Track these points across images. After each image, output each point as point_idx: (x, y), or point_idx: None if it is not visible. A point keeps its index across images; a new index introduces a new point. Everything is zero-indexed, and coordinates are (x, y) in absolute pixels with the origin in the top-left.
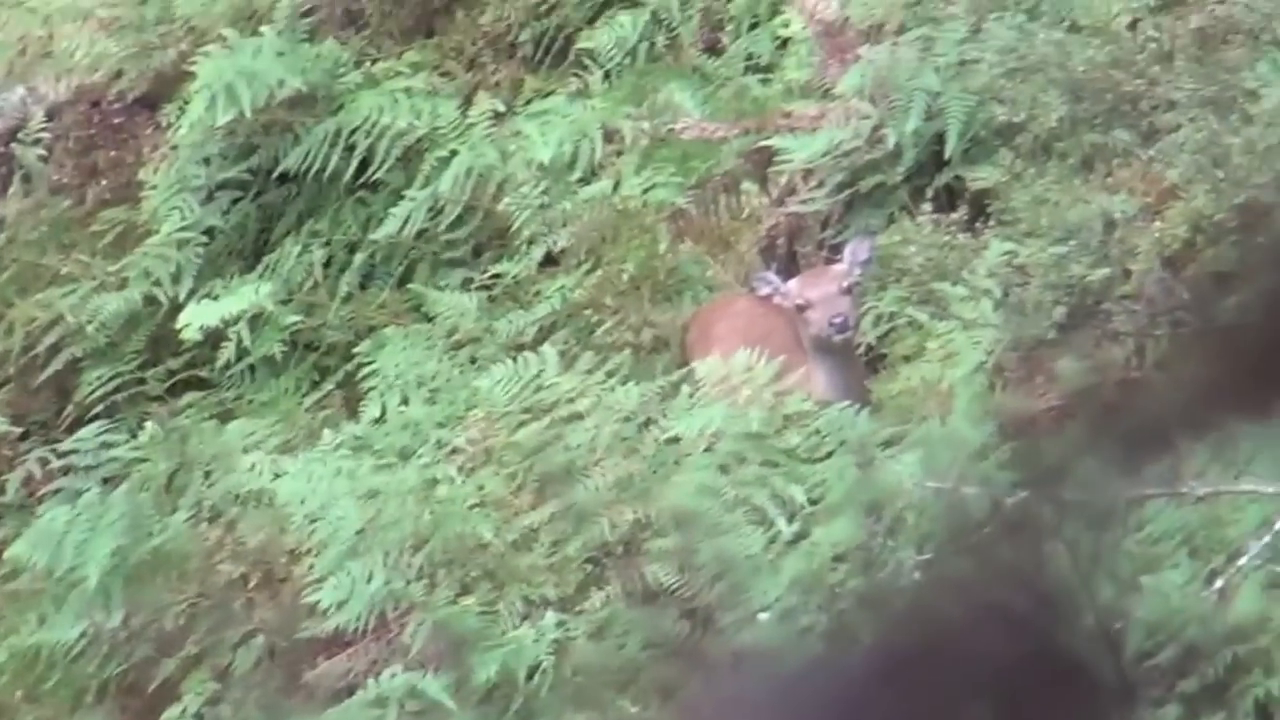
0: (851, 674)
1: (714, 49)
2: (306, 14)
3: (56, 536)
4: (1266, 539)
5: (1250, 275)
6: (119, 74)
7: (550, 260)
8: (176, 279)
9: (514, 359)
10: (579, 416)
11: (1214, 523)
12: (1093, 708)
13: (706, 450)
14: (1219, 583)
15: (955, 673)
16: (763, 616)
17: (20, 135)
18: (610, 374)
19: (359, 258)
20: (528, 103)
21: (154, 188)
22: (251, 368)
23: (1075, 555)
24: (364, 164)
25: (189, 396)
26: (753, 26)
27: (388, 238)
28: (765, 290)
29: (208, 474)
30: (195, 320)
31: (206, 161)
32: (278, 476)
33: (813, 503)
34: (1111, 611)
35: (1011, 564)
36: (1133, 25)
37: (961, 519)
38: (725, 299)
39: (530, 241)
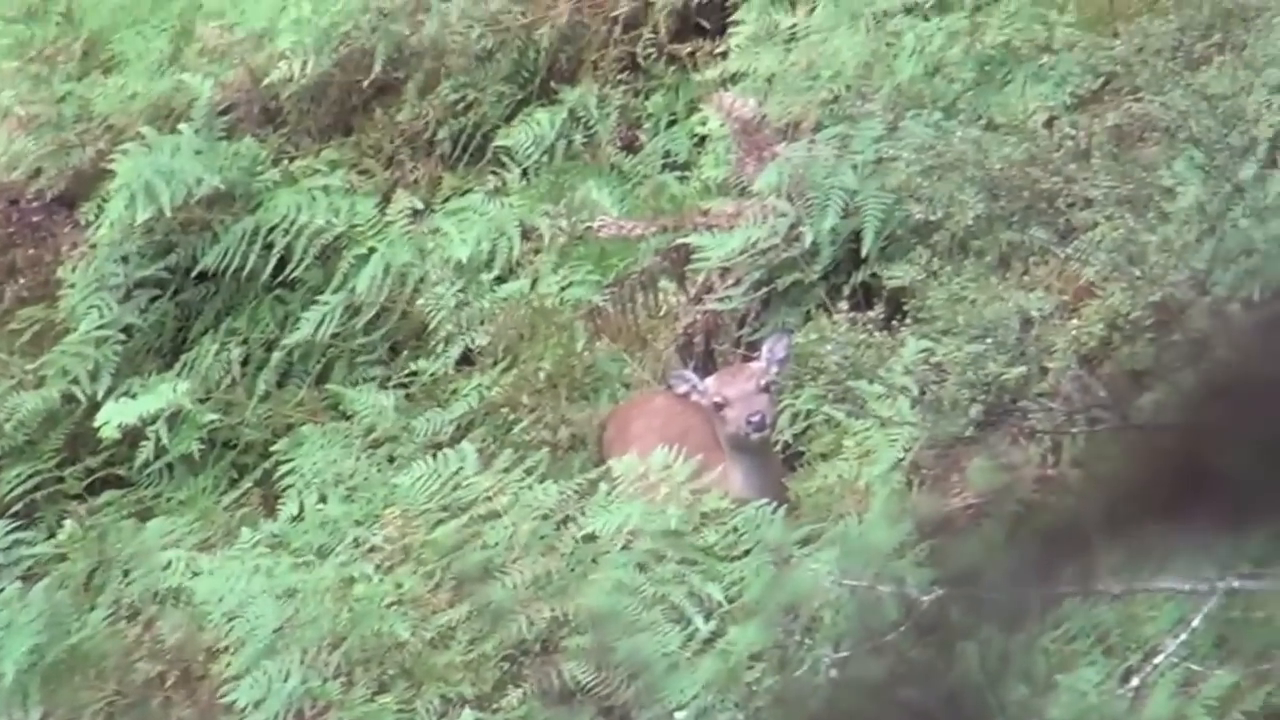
0: None
1: (631, 147)
2: (224, 112)
3: None
4: (1183, 637)
5: (1166, 374)
6: (38, 172)
7: (467, 359)
8: (94, 377)
9: (432, 457)
10: (496, 514)
11: (1130, 621)
12: None
13: (624, 548)
14: (1135, 681)
15: None
16: (679, 715)
17: None
18: (528, 472)
19: (276, 356)
20: (445, 200)
21: (72, 286)
22: (170, 466)
23: (986, 655)
24: (282, 262)
25: (107, 494)
26: (670, 124)
27: (304, 338)
28: (682, 388)
29: (126, 572)
30: (113, 418)
31: (125, 260)
32: (196, 575)
33: (730, 600)
34: (1025, 711)
35: (922, 664)
36: (1049, 123)
37: (876, 619)
38: (642, 397)
39: (447, 340)
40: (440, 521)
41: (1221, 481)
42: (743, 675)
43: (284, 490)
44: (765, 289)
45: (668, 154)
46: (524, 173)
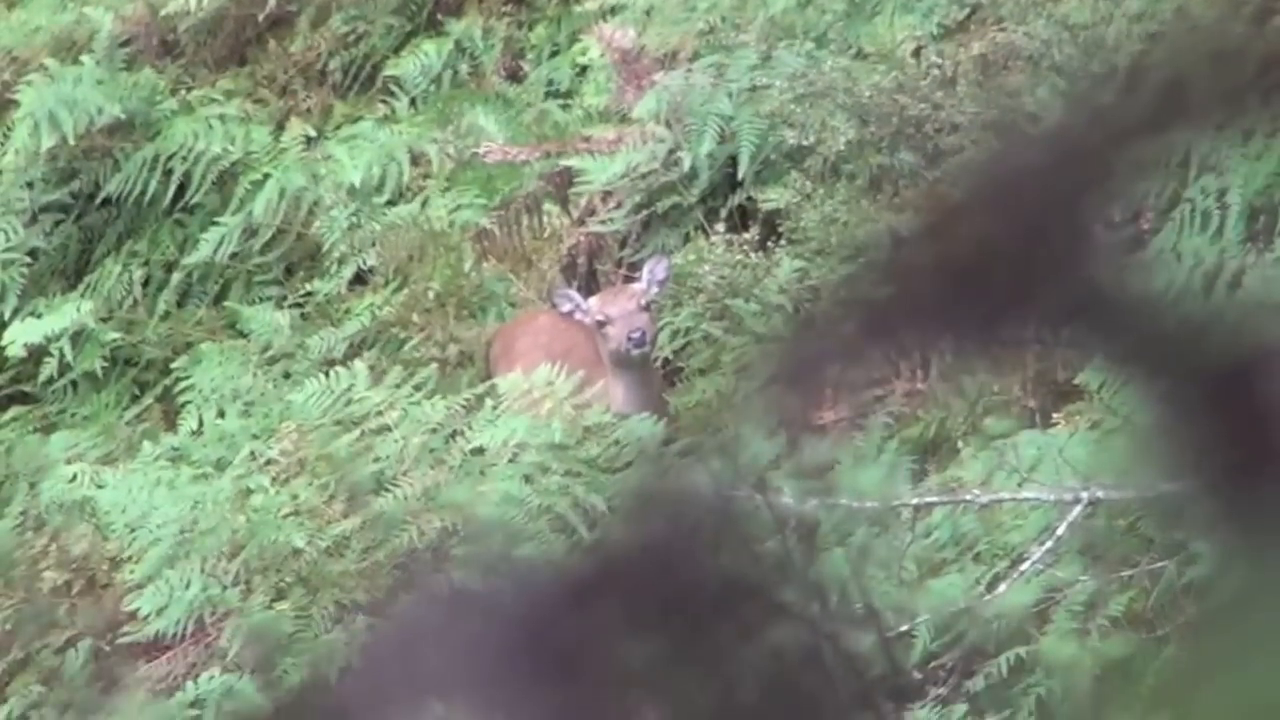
0: (539, 595)
1: (515, 76)
2: (125, 44)
3: None
4: (1047, 544)
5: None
6: None
7: (360, 279)
8: (1, 298)
9: (325, 374)
10: (387, 429)
11: (996, 529)
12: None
13: (510, 461)
14: (1002, 587)
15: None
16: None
17: None
18: (417, 388)
19: (176, 277)
20: (337, 128)
21: None
22: (74, 383)
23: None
24: (181, 188)
25: (13, 411)
26: (553, 54)
27: (203, 260)
28: (566, 307)
29: (32, 485)
30: (19, 337)
31: (30, 185)
32: (99, 487)
33: (612, 510)
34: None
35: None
36: (916, 52)
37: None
38: (527, 316)
39: (340, 261)
40: (334, 436)
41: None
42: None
43: (183, 406)
44: (645, 211)
45: (550, 83)
46: (412, 101)
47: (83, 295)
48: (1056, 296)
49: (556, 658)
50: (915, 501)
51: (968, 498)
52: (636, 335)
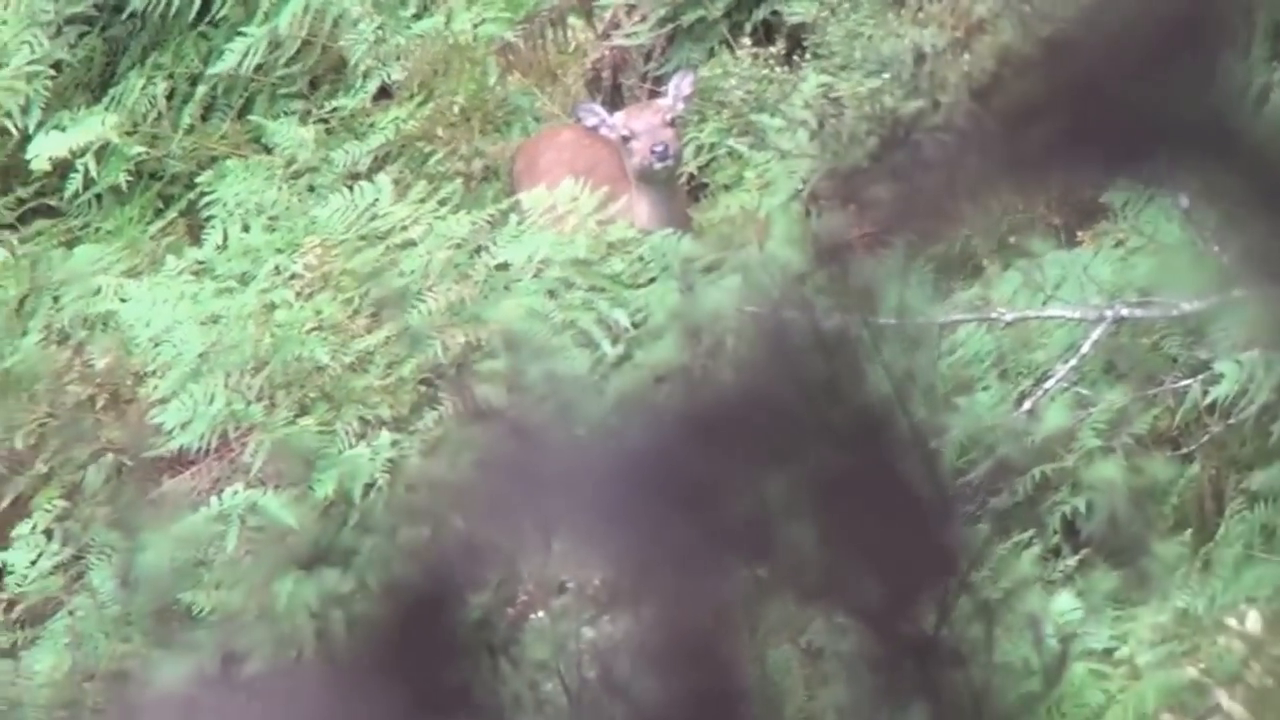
0: (655, 436)
1: None
2: None
3: None
4: (1072, 362)
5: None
6: None
7: (384, 93)
8: (25, 111)
9: (350, 188)
10: (412, 243)
11: (1023, 347)
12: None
13: (534, 276)
14: (1028, 404)
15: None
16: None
17: None
18: (442, 202)
19: (200, 90)
20: None
21: (3, 23)
22: (98, 196)
23: (891, 374)
24: (206, 0)
25: (38, 224)
26: None
27: (228, 72)
28: (591, 121)
29: (56, 298)
30: (44, 151)
31: None
32: (123, 301)
33: (635, 326)
34: (928, 428)
35: (829, 381)
36: None
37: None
38: (551, 131)
39: (365, 75)
40: (358, 250)
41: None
42: (649, 396)
43: (208, 220)
44: (670, 25)
45: None
46: None
47: (107, 108)
48: (1187, 129)
49: (692, 491)
50: (942, 320)
51: (993, 315)
52: (659, 149)
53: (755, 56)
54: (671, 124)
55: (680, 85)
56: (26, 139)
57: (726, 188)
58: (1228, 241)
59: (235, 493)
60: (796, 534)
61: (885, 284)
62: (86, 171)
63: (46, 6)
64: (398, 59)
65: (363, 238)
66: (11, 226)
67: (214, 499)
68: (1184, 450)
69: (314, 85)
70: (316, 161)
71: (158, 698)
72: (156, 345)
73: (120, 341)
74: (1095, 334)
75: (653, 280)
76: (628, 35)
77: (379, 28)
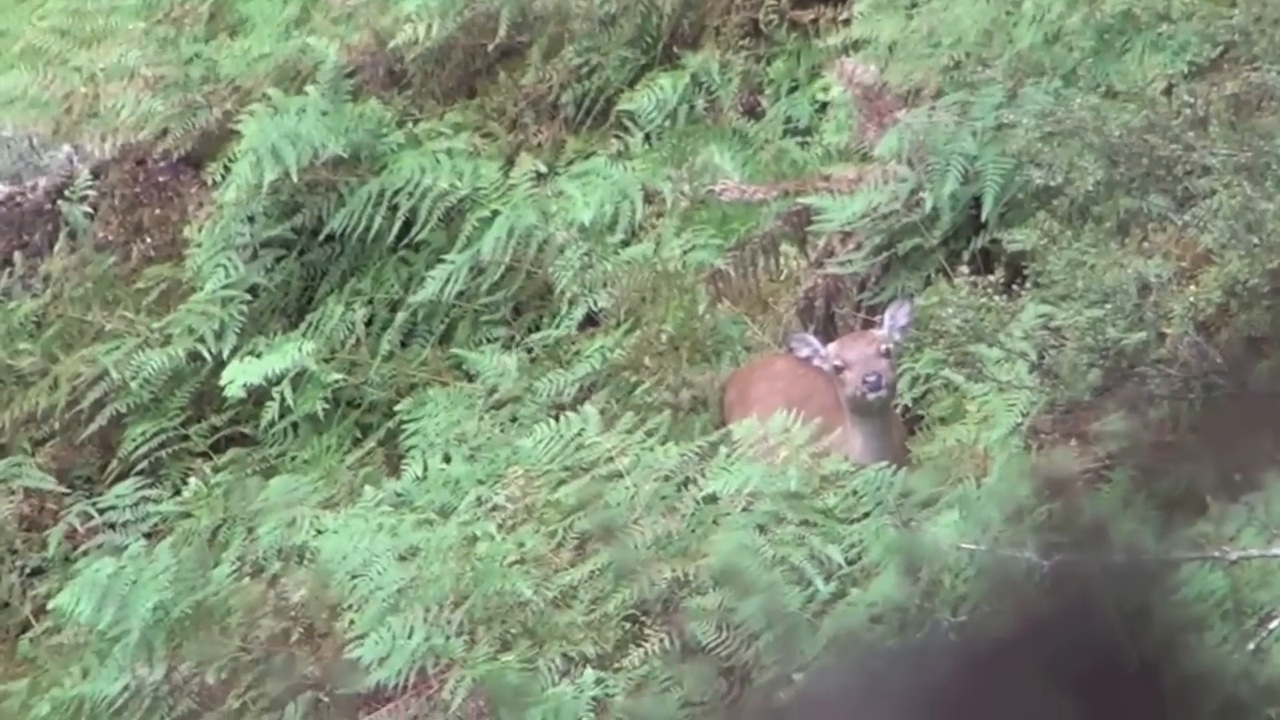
0: (941, 663)
1: (753, 112)
2: (350, 74)
3: (100, 589)
4: None
5: None
6: (164, 132)
7: (590, 321)
8: (220, 336)
9: (554, 418)
10: (619, 475)
11: (1247, 586)
12: None
13: (744, 510)
14: (1252, 645)
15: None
16: (799, 676)
17: (66, 193)
18: (649, 434)
19: (400, 317)
20: (569, 164)
21: (198, 245)
22: (294, 425)
23: (1123, 610)
24: (407, 224)
25: (232, 453)
26: (792, 90)
27: (429, 299)
28: (804, 352)
29: (250, 529)
30: (238, 378)
31: (251, 220)
32: (320, 533)
33: (850, 563)
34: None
35: (1053, 619)
36: (1168, 91)
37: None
38: (764, 360)
39: (571, 302)
40: (562, 482)
41: None
42: (864, 636)
43: (407, 450)
44: (885, 253)
45: (789, 119)
46: (646, 137)
47: (304, 334)
48: None
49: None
50: (1167, 557)
51: (1216, 554)
52: (873, 379)
53: (973, 285)
54: (886, 354)
55: (896, 315)
56: (220, 365)
57: (943, 420)
58: None
59: None
60: None
61: (1110, 521)
62: (282, 399)
63: (242, 229)
64: (604, 286)
65: (567, 469)
66: (205, 455)
67: None
68: None
69: (518, 312)
70: (520, 391)
71: None
72: (353, 578)
73: (316, 574)
74: None
75: (867, 515)
76: (842, 263)
77: (585, 254)
